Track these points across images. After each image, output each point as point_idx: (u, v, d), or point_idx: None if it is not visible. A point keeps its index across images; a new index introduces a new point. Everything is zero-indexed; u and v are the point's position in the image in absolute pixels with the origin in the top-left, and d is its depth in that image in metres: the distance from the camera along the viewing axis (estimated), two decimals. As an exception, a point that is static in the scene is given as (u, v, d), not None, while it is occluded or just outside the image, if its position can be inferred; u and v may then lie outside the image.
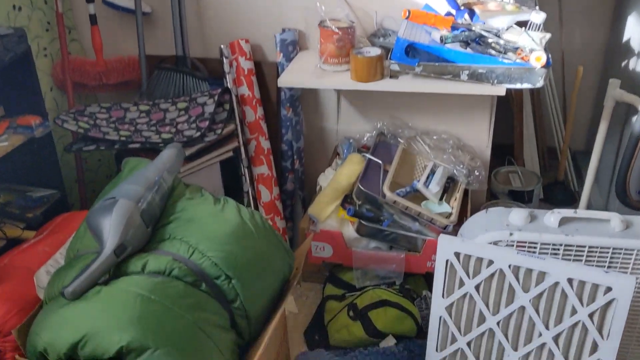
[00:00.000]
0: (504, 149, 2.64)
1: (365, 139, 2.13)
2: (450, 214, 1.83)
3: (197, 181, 1.56)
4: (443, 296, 1.46)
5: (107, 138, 1.77)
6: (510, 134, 2.62)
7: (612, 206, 2.32)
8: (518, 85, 1.71)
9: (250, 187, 2.07)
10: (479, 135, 2.11)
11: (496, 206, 1.58)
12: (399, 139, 2.06)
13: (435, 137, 2.08)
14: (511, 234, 1.40)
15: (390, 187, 1.84)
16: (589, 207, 2.42)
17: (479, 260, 1.38)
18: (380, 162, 1.92)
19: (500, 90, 1.73)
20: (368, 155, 1.94)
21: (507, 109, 2.59)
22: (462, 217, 1.90)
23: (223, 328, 1.21)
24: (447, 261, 1.41)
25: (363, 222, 1.78)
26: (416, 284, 1.87)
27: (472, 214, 2.00)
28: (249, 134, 2.05)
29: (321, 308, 1.90)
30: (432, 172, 1.95)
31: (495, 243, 1.41)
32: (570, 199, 2.64)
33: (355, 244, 1.83)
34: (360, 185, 1.78)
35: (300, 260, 1.49)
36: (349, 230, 1.84)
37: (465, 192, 1.99)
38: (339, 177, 1.91)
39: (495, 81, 1.71)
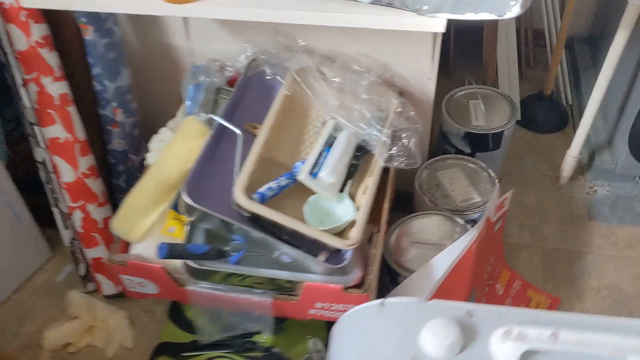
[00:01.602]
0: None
1: (231, 69, 1.29)
2: (353, 225, 1.08)
3: None
4: None
5: None
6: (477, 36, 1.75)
7: (619, 149, 1.56)
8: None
9: (46, 154, 1.27)
10: (417, 58, 1.27)
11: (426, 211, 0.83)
12: (284, 73, 1.22)
13: (343, 69, 1.24)
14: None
15: (251, 178, 1.07)
16: (588, 146, 1.65)
17: None
18: (238, 131, 1.12)
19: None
20: (217, 119, 1.12)
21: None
22: (376, 216, 1.15)
23: None
24: None
25: (189, 263, 1.03)
26: (298, 334, 1.18)
27: (397, 205, 1.26)
28: (24, 73, 1.20)
29: (154, 361, 1.23)
30: (330, 143, 1.15)
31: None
32: (559, 123, 1.85)
33: (192, 280, 1.10)
34: (185, 191, 0.99)
35: None
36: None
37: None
38: (164, 163, 1.12)
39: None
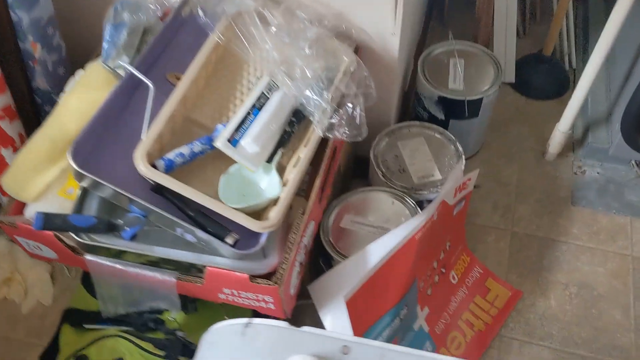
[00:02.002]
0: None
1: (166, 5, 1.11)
2: (275, 202, 0.94)
3: None
4: None
5: None
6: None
7: (616, 127, 1.38)
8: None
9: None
10: (379, 7, 1.08)
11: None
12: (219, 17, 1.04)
13: (288, 15, 1.06)
14: None
15: (161, 141, 0.92)
16: (584, 118, 1.46)
17: None
18: (149, 83, 0.96)
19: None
20: (126, 66, 0.96)
21: None
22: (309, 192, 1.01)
23: None
24: None
25: (76, 236, 0.90)
26: (214, 314, 1.06)
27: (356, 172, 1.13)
28: None
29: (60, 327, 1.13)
30: (261, 105, 0.99)
31: None
32: (557, 89, 1.65)
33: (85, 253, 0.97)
34: (71, 153, 0.85)
35: None
36: (77, 226, 0.96)
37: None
38: (62, 115, 0.97)
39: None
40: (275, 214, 0.92)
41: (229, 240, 0.90)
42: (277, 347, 0.59)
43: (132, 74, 0.96)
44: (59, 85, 1.24)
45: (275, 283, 0.89)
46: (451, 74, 1.35)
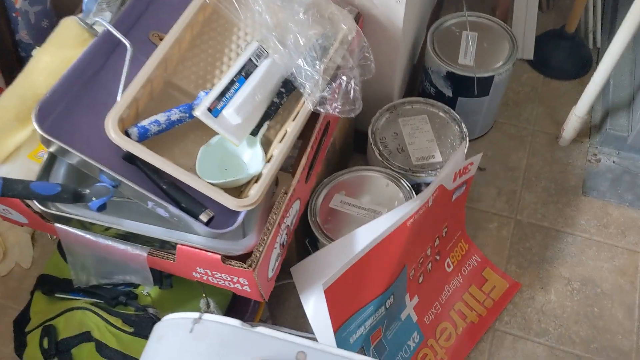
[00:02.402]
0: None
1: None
2: (257, 179, 0.87)
3: None
4: None
5: None
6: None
7: (638, 114, 1.29)
8: None
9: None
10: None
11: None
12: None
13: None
14: None
15: (137, 106, 0.86)
16: (604, 102, 1.37)
17: None
18: (127, 43, 0.88)
19: None
20: (104, 23, 0.89)
21: None
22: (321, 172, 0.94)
23: None
24: None
25: (40, 205, 0.84)
26: (191, 290, 1.01)
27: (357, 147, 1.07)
28: None
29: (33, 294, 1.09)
30: (248, 73, 0.92)
31: None
32: (579, 69, 1.54)
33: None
34: (35, 116, 0.79)
35: None
36: (46, 192, 0.91)
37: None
38: (32, 74, 0.90)
39: None
40: (255, 192, 0.85)
41: (203, 217, 0.84)
42: (226, 349, 0.54)
43: (109, 32, 0.89)
44: (42, 38, 1.17)
45: (250, 266, 0.83)
46: (462, 48, 1.26)
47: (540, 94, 1.50)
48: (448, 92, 1.26)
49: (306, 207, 1.05)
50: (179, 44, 0.91)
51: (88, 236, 0.90)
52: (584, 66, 1.53)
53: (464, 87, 1.24)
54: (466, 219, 1.25)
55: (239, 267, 0.83)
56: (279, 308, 1.19)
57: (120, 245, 0.90)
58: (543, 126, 1.43)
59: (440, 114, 1.17)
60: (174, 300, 1.02)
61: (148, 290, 1.01)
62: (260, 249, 0.85)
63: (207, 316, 0.56)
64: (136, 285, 1.02)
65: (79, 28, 0.90)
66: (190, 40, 0.94)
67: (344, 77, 0.94)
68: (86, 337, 0.92)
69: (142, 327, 0.93)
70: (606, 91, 1.40)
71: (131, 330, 0.93)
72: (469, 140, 1.33)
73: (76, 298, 1.00)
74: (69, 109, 0.84)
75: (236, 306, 1.08)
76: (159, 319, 0.97)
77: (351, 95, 0.94)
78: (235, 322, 0.55)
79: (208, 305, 1.01)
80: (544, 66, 1.53)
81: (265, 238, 0.86)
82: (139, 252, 0.90)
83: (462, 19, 1.29)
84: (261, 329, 0.54)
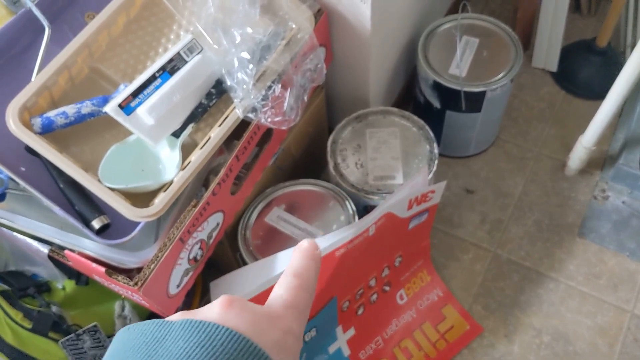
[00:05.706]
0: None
1: None
2: (167, 187, 0.79)
3: None
4: None
5: None
6: None
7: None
8: None
9: None
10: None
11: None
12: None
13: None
14: None
15: (51, 94, 0.80)
16: (626, 131, 1.20)
17: None
18: (45, 23, 0.81)
19: None
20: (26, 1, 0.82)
21: None
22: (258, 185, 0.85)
23: None
24: None
25: None
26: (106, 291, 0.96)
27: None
28: None
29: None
30: (174, 69, 0.83)
31: None
32: (606, 88, 1.35)
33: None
34: None
35: None
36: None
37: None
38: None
39: None
40: (160, 201, 0.78)
41: (95, 223, 0.77)
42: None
43: (28, 12, 0.82)
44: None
45: (136, 284, 0.76)
46: (457, 56, 1.11)
47: (556, 113, 1.33)
48: (436, 104, 1.13)
49: (239, 219, 0.96)
50: (108, 27, 0.84)
51: (-3, 225, 0.86)
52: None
53: (452, 100, 1.10)
54: (440, 245, 1.13)
55: (125, 283, 0.76)
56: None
57: (23, 239, 0.85)
58: (551, 150, 1.27)
59: (414, 129, 1.04)
60: (89, 298, 0.97)
61: (62, 284, 0.96)
62: (152, 267, 0.77)
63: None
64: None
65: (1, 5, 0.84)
66: (125, 25, 0.87)
67: (279, 85, 0.84)
68: (-17, 326, 0.88)
69: (41, 324, 0.88)
70: (630, 119, 1.22)
71: (30, 326, 0.88)
72: (463, 157, 1.21)
73: (-11, 282, 0.96)
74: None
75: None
76: (61, 317, 0.93)
77: (285, 106, 0.84)
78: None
79: (123, 309, 0.95)
80: (568, 81, 1.35)
81: (159, 254, 0.78)
82: (40, 249, 0.85)
83: (463, 22, 1.14)
84: None
